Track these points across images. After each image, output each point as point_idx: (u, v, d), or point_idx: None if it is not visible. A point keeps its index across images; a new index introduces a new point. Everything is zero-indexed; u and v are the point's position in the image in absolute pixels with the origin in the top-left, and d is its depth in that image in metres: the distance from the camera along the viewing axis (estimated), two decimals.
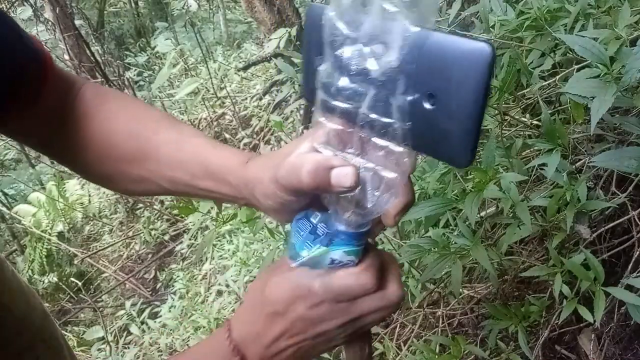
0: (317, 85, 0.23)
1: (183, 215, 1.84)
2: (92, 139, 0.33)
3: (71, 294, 2.22)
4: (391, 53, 0.20)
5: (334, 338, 0.25)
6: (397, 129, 0.21)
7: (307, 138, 0.25)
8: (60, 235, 2.53)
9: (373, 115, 0.21)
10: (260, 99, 2.40)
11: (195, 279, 1.83)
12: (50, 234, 2.45)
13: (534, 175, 0.76)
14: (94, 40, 3.32)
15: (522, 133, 0.77)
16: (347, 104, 0.22)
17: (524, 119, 0.79)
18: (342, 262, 0.24)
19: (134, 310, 1.77)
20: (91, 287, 2.34)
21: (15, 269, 0.36)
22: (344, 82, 0.22)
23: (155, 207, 2.34)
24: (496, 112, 0.71)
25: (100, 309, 1.92)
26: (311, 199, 0.25)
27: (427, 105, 0.20)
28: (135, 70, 3.22)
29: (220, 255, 1.71)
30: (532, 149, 0.74)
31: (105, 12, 3.80)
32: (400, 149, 0.22)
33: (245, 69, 2.67)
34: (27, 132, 0.34)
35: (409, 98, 0.20)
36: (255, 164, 0.28)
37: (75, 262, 2.47)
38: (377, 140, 0.22)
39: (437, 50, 0.20)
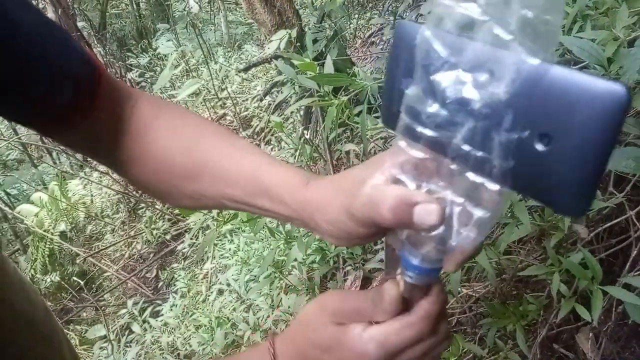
0: (402, 109, 0.21)
1: (184, 215, 1.85)
2: (148, 155, 0.33)
3: (73, 293, 2.24)
4: (499, 84, 0.18)
5: None
6: (496, 167, 0.19)
7: (383, 164, 0.23)
8: (63, 234, 2.54)
9: (468, 149, 0.19)
10: (261, 99, 2.41)
11: (196, 278, 1.84)
12: (52, 234, 2.47)
13: None
14: (96, 42, 3.34)
15: None
16: (437, 132, 0.20)
17: None
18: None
19: (135, 309, 1.78)
20: (93, 286, 2.35)
21: (17, 266, 0.36)
22: (436, 109, 0.20)
23: (157, 206, 2.35)
24: None
25: (102, 308, 1.93)
26: (382, 230, 0.24)
27: (538, 146, 0.18)
28: (137, 71, 3.24)
29: (221, 255, 1.72)
30: None
31: (107, 13, 3.82)
32: (496, 187, 0.19)
33: (246, 70, 2.68)
34: (81, 142, 0.33)
35: (517, 135, 0.18)
36: (318, 186, 0.27)
37: (78, 261, 2.49)
38: (470, 175, 0.20)
39: (558, 86, 0.17)
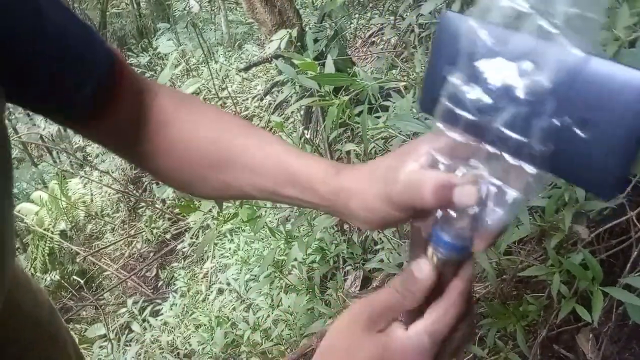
0: (444, 94, 0.22)
1: (184, 214, 1.85)
2: (172, 146, 0.33)
3: (73, 292, 2.24)
4: (543, 73, 0.19)
5: None
6: (535, 151, 0.20)
7: (419, 150, 0.24)
8: (63, 233, 2.55)
9: (509, 132, 0.20)
10: (262, 99, 2.41)
11: (196, 277, 1.84)
12: (52, 233, 2.47)
13: None
14: None
15: None
16: (479, 117, 0.21)
17: None
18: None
19: (135, 308, 1.78)
20: (93, 285, 2.36)
21: (22, 267, 0.37)
22: (479, 94, 0.21)
23: (157, 205, 2.35)
24: None
25: (102, 307, 1.93)
26: (415, 213, 0.24)
27: (577, 132, 0.19)
28: (138, 70, 3.23)
29: (221, 254, 1.72)
30: None
31: (107, 12, 3.81)
32: (533, 170, 0.20)
33: (246, 69, 2.68)
34: (104, 135, 0.33)
35: (557, 122, 0.19)
36: (351, 174, 0.27)
37: (78, 260, 2.49)
38: (508, 158, 0.21)
39: (598, 76, 0.18)
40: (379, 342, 0.23)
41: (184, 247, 2.04)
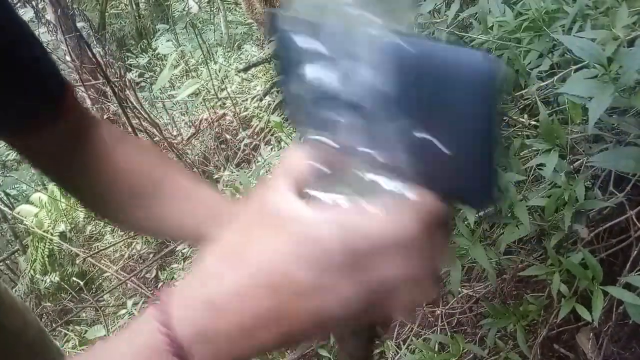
0: (291, 106, 0.19)
1: None
2: (106, 178, 0.34)
3: (73, 293, 2.24)
4: (362, 70, 0.16)
5: (333, 319, 0.17)
6: (388, 163, 0.17)
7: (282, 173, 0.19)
8: (62, 235, 2.54)
9: (355, 147, 0.17)
10: (261, 99, 2.41)
11: None
12: (52, 234, 2.46)
13: (532, 175, 0.77)
14: (95, 42, 3.34)
15: (520, 133, 0.77)
16: (322, 133, 0.18)
17: (522, 119, 0.79)
18: None
19: (135, 310, 1.78)
20: (93, 286, 2.35)
21: (8, 287, 0.38)
22: (311, 107, 0.17)
23: None
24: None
25: (102, 308, 1.93)
26: None
27: (422, 136, 0.16)
28: (137, 71, 3.24)
29: None
30: (530, 149, 0.74)
31: (106, 13, 3.82)
32: (398, 187, 0.17)
33: (245, 70, 2.68)
34: (39, 151, 0.34)
35: (395, 127, 0.16)
36: None
37: (77, 261, 2.49)
38: (369, 175, 0.17)
39: (424, 64, 0.15)
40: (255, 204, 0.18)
41: (184, 248, 2.04)
